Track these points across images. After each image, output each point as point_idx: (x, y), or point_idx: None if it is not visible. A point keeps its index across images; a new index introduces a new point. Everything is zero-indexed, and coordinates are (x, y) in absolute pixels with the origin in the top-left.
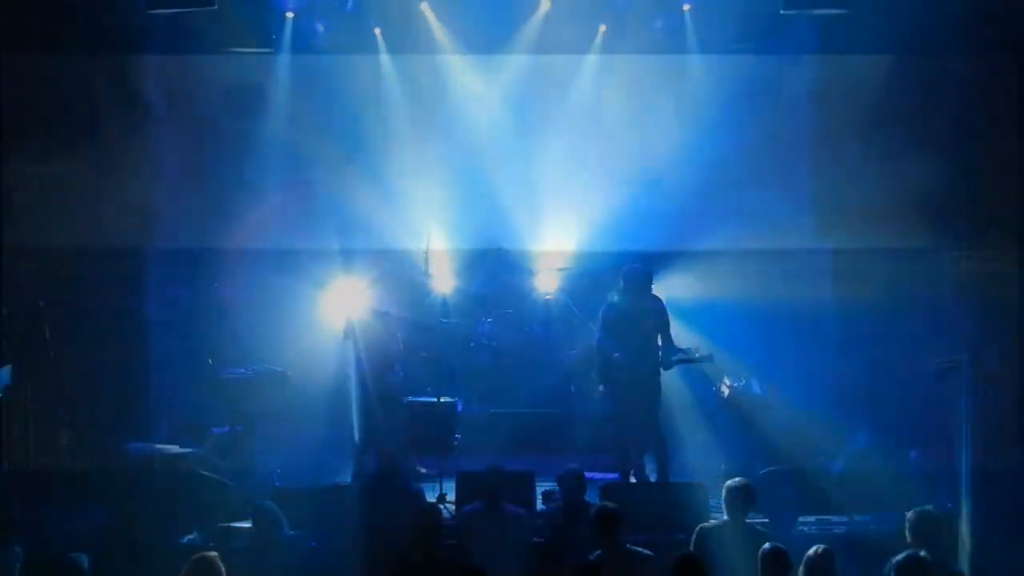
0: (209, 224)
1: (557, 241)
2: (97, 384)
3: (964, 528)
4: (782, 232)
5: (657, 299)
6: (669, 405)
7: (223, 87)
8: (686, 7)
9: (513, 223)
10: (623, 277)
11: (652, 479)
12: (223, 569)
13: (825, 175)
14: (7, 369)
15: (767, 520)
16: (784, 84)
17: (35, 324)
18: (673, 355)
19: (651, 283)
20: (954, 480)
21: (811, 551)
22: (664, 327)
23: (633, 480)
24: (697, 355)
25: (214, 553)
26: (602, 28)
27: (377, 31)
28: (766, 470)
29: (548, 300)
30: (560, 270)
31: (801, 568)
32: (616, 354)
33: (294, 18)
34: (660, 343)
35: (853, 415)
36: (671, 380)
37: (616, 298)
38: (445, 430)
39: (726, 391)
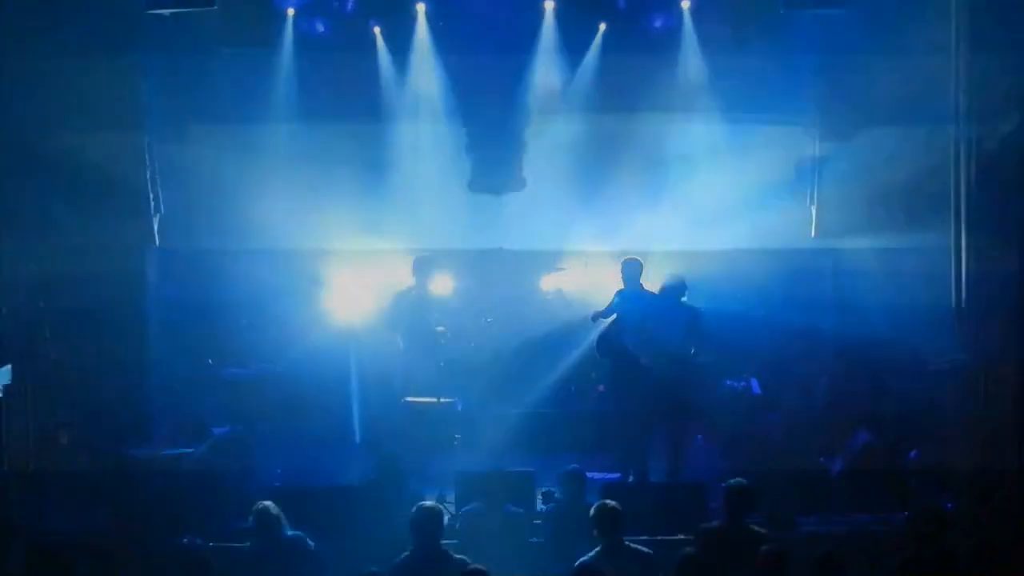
0: (209, 224)
1: (557, 240)
2: (97, 384)
3: (964, 528)
4: (782, 230)
5: (691, 306)
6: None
7: (222, 86)
8: (685, 4)
9: (514, 222)
10: (664, 285)
11: (652, 479)
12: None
13: (826, 172)
14: (7, 369)
15: (766, 520)
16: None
17: (35, 324)
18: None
19: (685, 292)
20: (954, 480)
21: (819, 554)
22: (696, 332)
23: (632, 479)
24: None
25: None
26: (602, 27)
27: (377, 30)
28: (766, 470)
29: (548, 300)
30: (560, 270)
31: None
32: (643, 359)
33: (294, 17)
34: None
35: (853, 415)
36: None
37: (635, 296)
38: (445, 430)
39: None
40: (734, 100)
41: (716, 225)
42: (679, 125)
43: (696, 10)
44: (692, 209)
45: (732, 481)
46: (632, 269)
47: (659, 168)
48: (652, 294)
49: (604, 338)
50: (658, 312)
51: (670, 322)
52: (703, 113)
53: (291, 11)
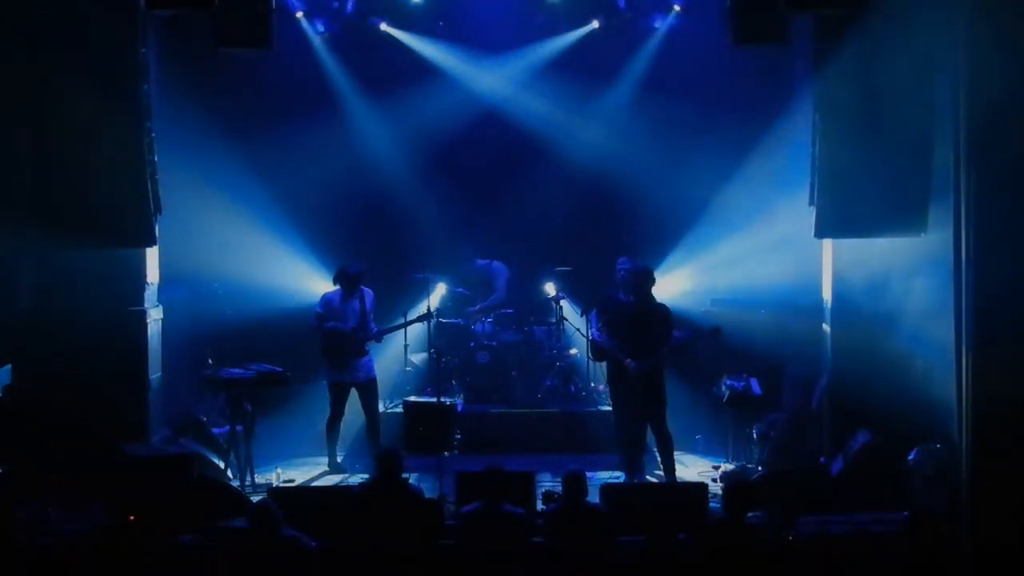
0: (209, 223)
1: None
2: (96, 384)
3: (963, 526)
4: (781, 226)
5: (662, 304)
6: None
7: (222, 86)
8: (676, 7)
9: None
10: (633, 277)
11: (649, 479)
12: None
13: (825, 166)
14: (7, 369)
15: (766, 520)
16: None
17: (35, 324)
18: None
19: (654, 283)
20: (954, 479)
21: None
22: (669, 329)
23: (632, 479)
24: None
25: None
26: (595, 23)
27: (382, 26)
28: (766, 470)
29: (548, 300)
30: (560, 270)
31: None
32: (628, 360)
33: (294, 18)
34: (662, 343)
35: (853, 415)
36: (670, 378)
37: (621, 297)
38: (445, 430)
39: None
40: None
41: (715, 218)
42: None
43: None
44: (690, 204)
45: (732, 480)
46: (638, 273)
47: None
48: (646, 295)
49: (595, 342)
50: (643, 309)
51: (650, 315)
52: None
53: (299, 13)
